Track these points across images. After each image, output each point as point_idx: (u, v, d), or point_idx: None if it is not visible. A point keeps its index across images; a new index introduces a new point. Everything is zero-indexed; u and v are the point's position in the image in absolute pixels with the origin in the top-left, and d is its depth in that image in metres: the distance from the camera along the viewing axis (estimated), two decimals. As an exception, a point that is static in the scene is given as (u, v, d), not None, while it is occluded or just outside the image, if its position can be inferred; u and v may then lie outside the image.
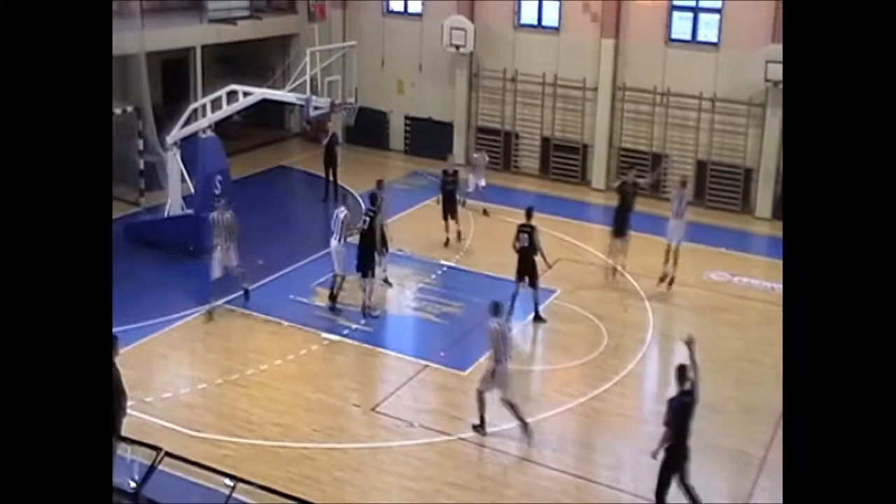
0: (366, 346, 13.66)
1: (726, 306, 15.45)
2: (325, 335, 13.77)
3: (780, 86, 19.65)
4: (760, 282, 16.34)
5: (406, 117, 24.49)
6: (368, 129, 23.99)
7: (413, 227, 18.92)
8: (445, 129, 23.82)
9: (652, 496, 9.94)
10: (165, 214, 17.50)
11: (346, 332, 13.93)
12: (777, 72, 19.17)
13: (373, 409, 11.85)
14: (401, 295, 15.74)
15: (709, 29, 20.88)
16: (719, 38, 20.68)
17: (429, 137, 23.95)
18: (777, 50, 19.14)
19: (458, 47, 22.64)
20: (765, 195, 20.43)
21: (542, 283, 16.20)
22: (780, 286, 15.26)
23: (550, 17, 22.39)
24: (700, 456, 10.06)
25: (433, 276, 16.36)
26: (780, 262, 16.11)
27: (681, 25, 21.12)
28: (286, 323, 14.21)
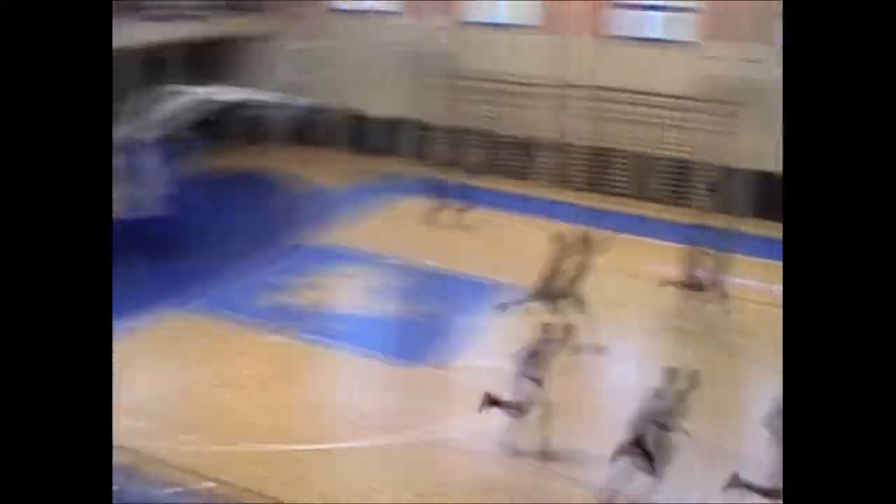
0: (346, 345, 13.57)
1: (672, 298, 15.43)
2: (303, 336, 13.63)
3: (748, 84, 19.96)
4: (743, 280, 16.34)
5: (371, 117, 24.27)
6: (335, 128, 23.87)
7: (369, 225, 18.85)
8: (411, 127, 23.72)
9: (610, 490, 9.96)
10: (122, 217, 17.19)
11: (324, 333, 13.80)
12: (745, 69, 19.58)
13: (356, 410, 11.74)
14: (358, 294, 15.63)
15: (670, 26, 21.14)
16: (682, 36, 20.93)
17: (394, 137, 23.84)
18: (745, 48, 19.56)
19: (410, 45, 22.56)
20: (744, 196, 20.62)
21: (503, 279, 16.11)
22: (760, 283, 15.39)
23: (505, 14, 22.49)
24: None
25: (390, 274, 16.24)
26: (753, 260, 16.38)
27: (642, 22, 21.39)
28: (262, 324, 14.04)
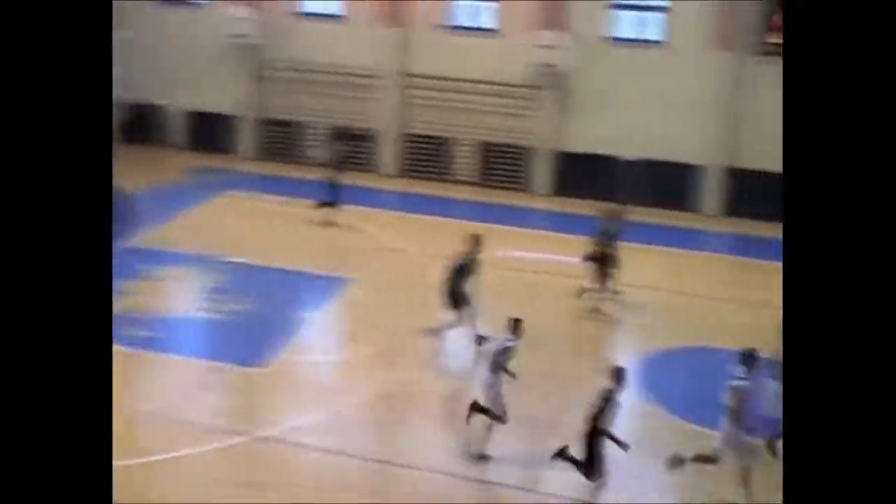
0: (155, 353, 13.00)
1: (519, 281, 16.00)
2: (124, 343, 12.93)
3: (550, 69, 20.83)
4: (546, 255, 17.11)
5: (188, 111, 23.46)
6: (148, 125, 22.82)
7: (197, 224, 18.24)
8: (230, 122, 23.11)
9: (461, 472, 10.14)
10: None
11: (132, 340, 13.15)
12: (545, 56, 20.42)
13: (165, 417, 11.29)
14: (187, 295, 15.11)
15: (489, 16, 21.71)
16: (496, 25, 21.57)
17: (213, 132, 23.14)
18: (545, 35, 20.38)
19: (241, 37, 21.97)
20: (543, 173, 21.63)
21: (336, 272, 16.11)
22: (566, 259, 16.10)
23: (336, 6, 22.31)
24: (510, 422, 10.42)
25: (219, 273, 15.83)
26: (561, 236, 17.20)
27: (463, 13, 21.86)
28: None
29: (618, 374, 9.26)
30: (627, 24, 21.31)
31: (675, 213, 20.57)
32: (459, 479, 10.26)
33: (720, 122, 20.62)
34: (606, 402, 9.15)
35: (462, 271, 13.19)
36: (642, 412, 11.76)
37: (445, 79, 21.65)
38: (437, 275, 13.55)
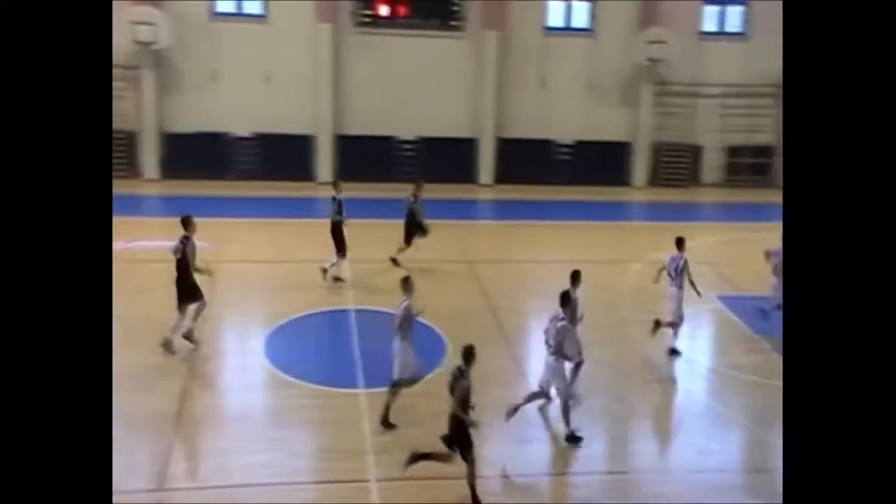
0: None
1: (138, 273, 15.10)
2: None
3: (148, 47, 19.98)
4: (157, 243, 16.31)
5: None
6: None
7: None
8: None
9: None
10: None
11: None
12: (143, 34, 19.54)
13: None
14: None
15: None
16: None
17: None
18: (141, 12, 19.50)
19: None
20: (150, 157, 20.85)
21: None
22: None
23: None
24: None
25: None
26: (171, 220, 16.43)
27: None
28: None
29: (468, 353, 8.78)
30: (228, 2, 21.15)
31: (292, 185, 20.99)
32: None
33: (323, 92, 21.29)
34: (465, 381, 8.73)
35: (188, 263, 12.19)
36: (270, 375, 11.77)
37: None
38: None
